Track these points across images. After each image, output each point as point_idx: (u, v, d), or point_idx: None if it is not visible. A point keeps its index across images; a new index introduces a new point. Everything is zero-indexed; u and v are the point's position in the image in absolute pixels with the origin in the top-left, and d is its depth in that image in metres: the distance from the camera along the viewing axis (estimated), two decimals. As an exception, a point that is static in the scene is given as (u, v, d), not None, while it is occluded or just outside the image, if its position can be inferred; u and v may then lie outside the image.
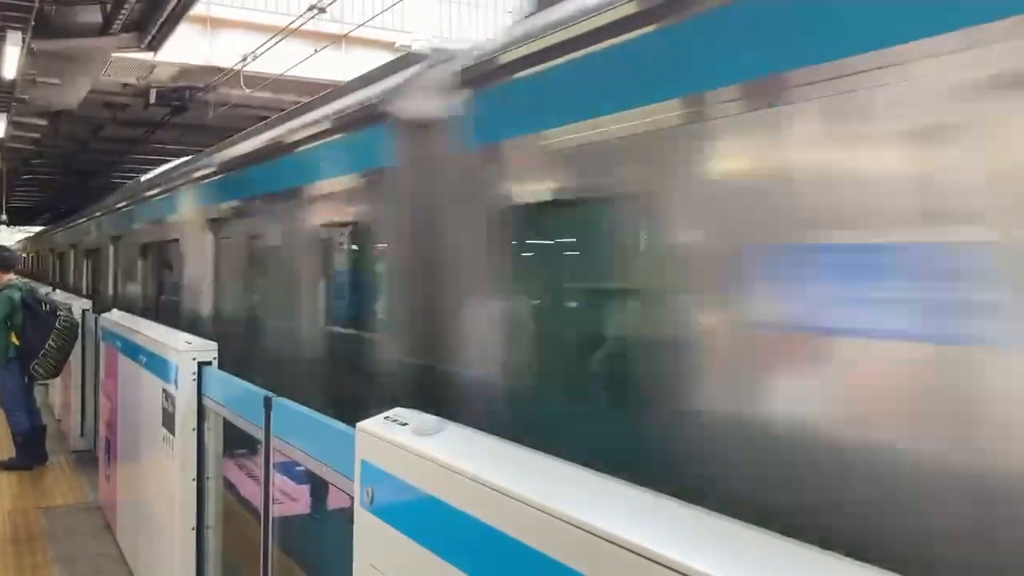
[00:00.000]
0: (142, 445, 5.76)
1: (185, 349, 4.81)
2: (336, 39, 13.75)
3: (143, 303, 8.93)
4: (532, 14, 2.71)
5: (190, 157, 8.70)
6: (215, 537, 4.76)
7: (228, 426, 4.55)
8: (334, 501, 3.90)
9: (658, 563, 1.45)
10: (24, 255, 29.67)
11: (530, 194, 2.66)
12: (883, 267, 1.62)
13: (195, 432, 4.75)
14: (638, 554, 1.50)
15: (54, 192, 30.28)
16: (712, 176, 2.04)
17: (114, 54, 10.59)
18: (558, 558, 1.70)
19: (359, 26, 12.51)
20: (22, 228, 45.59)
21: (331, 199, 4.08)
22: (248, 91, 13.88)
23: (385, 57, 13.89)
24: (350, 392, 4.08)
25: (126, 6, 8.65)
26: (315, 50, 12.92)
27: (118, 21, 8.99)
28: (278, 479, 3.77)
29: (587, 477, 1.95)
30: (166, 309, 7.87)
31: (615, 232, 2.44)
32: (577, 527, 1.65)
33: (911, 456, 1.55)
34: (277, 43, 12.00)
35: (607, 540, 1.57)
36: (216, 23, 14.54)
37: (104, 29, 9.20)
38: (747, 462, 1.87)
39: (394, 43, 15.32)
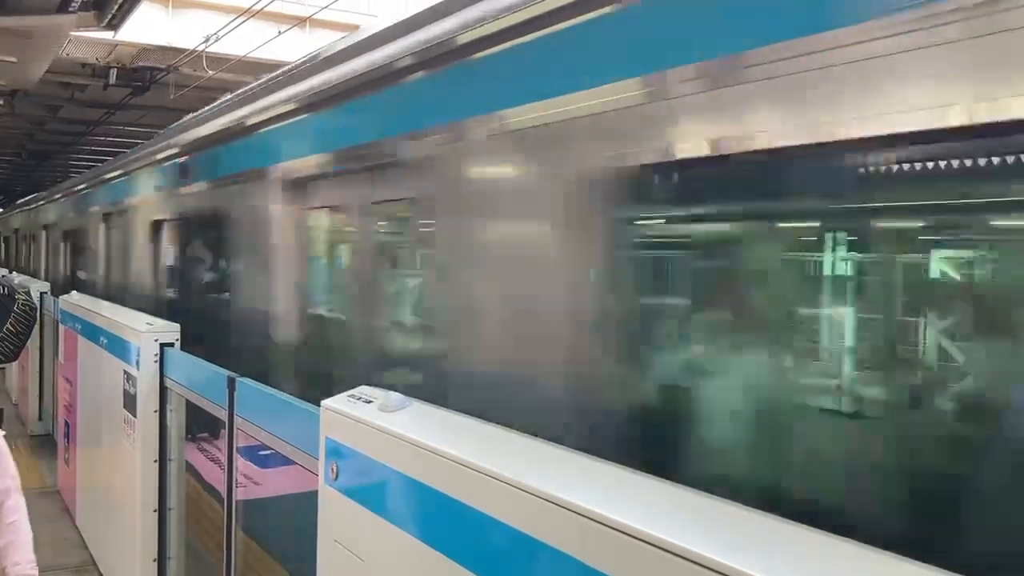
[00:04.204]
0: (103, 428, 5.70)
1: (147, 330, 4.77)
2: (300, 21, 13.62)
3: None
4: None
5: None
6: (177, 518, 4.74)
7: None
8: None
9: (617, 529, 1.51)
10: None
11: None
12: None
13: (157, 414, 4.72)
14: (601, 523, 1.54)
15: (10, 173, 29.68)
16: None
17: (73, 32, 10.40)
18: (522, 528, 1.73)
19: (322, 8, 12.39)
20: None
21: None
22: (210, 72, 13.70)
23: (349, 39, 13.76)
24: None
25: (85, -17, 8.51)
26: (279, 31, 12.79)
27: (77, -1, 8.83)
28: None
29: (549, 449, 1.99)
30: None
31: None
32: (541, 498, 1.68)
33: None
34: (240, 24, 11.85)
35: (570, 510, 1.61)
36: (178, 2, 14.33)
37: (63, 6, 9.00)
38: None
39: (358, 26, 15.20)
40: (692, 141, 2.05)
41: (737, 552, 1.36)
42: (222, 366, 3.98)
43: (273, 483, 4.13)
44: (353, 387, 2.70)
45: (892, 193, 1.88)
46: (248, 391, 3.58)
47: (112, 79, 14.23)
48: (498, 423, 2.26)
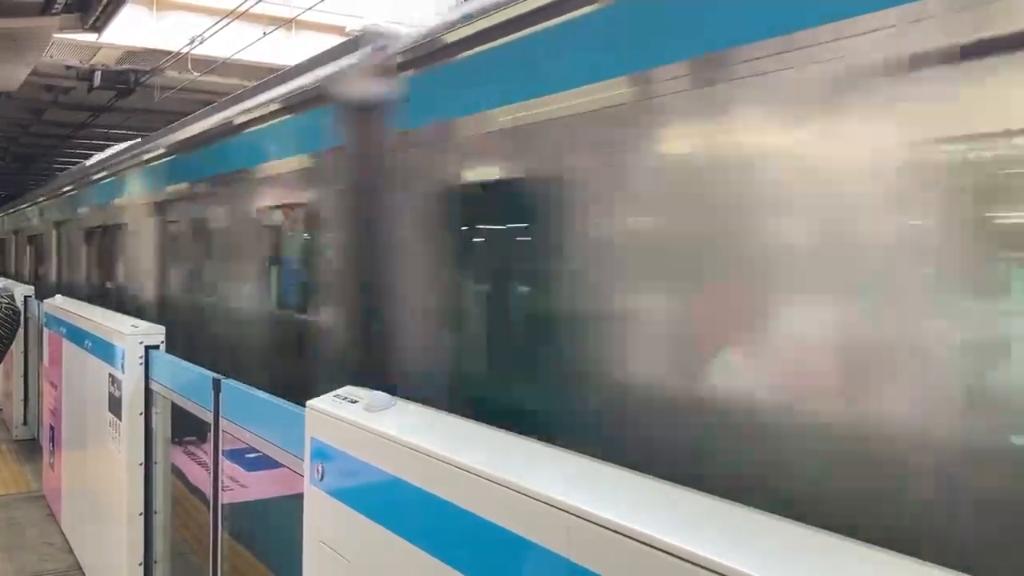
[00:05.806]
0: (88, 431, 5.67)
1: (131, 333, 4.75)
2: (285, 22, 13.58)
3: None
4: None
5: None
6: (163, 522, 4.72)
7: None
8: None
9: (605, 527, 1.50)
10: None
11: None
12: None
13: (142, 417, 4.69)
14: (589, 520, 1.54)
15: (-6, 177, 29.50)
16: None
17: (56, 35, 10.32)
18: (509, 527, 1.73)
19: (308, 9, 12.36)
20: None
21: None
22: (196, 74, 13.65)
23: (334, 41, 13.73)
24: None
25: (68, -15, 8.46)
26: (264, 33, 12.76)
27: (60, 1, 8.75)
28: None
29: (536, 448, 1.99)
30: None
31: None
32: (528, 496, 1.68)
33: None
34: (225, 26, 11.81)
35: (558, 508, 1.60)
36: (163, 4, 14.25)
37: (45, 8, 8.93)
38: None
39: (344, 27, 15.17)
40: None
41: (734, 551, 1.35)
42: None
43: (259, 486, 4.12)
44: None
45: None
46: (233, 392, 3.56)
47: (96, 82, 14.14)
48: None
